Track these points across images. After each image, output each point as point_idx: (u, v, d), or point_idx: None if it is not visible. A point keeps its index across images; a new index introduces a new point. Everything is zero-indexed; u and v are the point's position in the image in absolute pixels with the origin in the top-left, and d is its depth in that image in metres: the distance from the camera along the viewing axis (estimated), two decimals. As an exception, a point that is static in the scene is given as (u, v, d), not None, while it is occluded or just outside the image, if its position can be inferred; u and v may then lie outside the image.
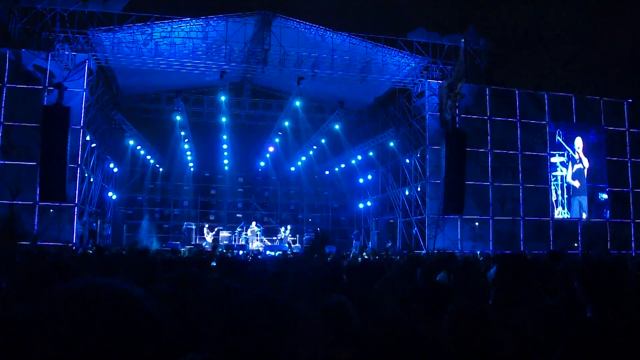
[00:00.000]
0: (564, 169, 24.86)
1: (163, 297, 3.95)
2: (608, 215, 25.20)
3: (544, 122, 24.77)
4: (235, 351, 1.70)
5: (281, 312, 1.82)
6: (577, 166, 25.06)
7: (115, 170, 28.05)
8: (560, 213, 24.73)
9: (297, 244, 26.69)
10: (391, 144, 26.26)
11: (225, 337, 1.72)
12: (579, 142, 25.14)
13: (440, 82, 22.68)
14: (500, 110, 24.14)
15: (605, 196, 25.26)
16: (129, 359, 0.98)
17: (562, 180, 24.86)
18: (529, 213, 24.20)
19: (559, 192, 24.82)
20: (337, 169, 31.95)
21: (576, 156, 25.11)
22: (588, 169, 25.19)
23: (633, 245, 24.80)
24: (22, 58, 19.73)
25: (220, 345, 1.73)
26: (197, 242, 26.83)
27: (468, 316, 2.82)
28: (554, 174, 24.76)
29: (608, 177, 25.33)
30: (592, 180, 25.24)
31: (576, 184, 24.99)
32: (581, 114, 25.38)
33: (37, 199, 19.26)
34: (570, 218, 24.75)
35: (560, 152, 24.91)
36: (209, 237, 26.44)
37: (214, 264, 7.29)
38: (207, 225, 27.91)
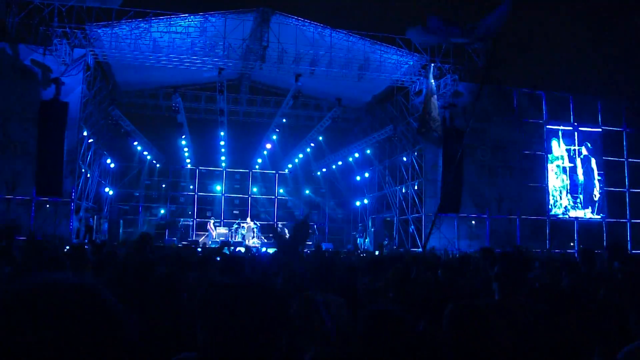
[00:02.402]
0: (557, 182, 24.91)
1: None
2: (605, 215, 25.29)
3: (542, 122, 24.84)
4: (222, 346, 1.62)
5: (270, 299, 1.72)
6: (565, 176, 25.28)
7: (112, 165, 28.01)
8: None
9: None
10: (389, 142, 26.26)
11: (210, 330, 1.65)
12: (574, 146, 25.27)
13: (438, 81, 22.71)
14: (498, 109, 24.15)
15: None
16: None
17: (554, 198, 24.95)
18: (525, 212, 24.23)
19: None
20: (334, 167, 31.95)
21: (579, 165, 25.24)
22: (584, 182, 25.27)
23: (629, 245, 24.85)
24: (19, 52, 19.65)
25: (209, 341, 1.65)
26: (194, 238, 26.82)
27: (468, 316, 2.84)
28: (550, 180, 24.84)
29: (605, 178, 25.38)
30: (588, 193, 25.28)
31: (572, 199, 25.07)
32: (579, 113, 25.43)
33: (34, 194, 19.23)
34: (567, 218, 24.81)
35: (554, 158, 24.97)
36: (215, 233, 26.40)
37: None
38: (212, 221, 27.85)
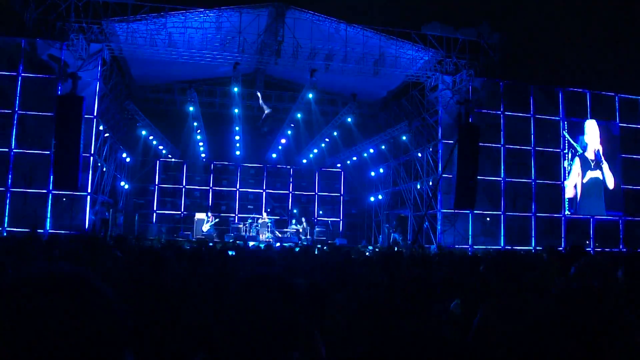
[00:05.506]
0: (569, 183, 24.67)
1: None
2: (622, 213, 24.99)
3: (557, 118, 24.61)
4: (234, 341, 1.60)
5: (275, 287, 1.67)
6: (592, 174, 24.81)
7: (128, 160, 28.20)
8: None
9: (308, 236, 26.67)
10: (403, 137, 26.13)
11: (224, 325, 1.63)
12: (594, 139, 24.90)
13: (454, 76, 22.61)
14: (513, 106, 23.97)
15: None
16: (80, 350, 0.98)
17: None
18: (541, 209, 24.05)
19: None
20: (348, 162, 31.90)
21: (589, 156, 24.89)
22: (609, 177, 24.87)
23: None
24: (37, 48, 19.87)
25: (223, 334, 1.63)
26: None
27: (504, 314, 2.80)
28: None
29: (623, 175, 25.06)
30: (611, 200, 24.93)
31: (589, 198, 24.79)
32: (596, 110, 25.13)
33: (51, 188, 19.42)
34: (582, 215, 24.56)
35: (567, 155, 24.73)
36: (205, 226, 25.99)
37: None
38: (210, 215, 27.56)
